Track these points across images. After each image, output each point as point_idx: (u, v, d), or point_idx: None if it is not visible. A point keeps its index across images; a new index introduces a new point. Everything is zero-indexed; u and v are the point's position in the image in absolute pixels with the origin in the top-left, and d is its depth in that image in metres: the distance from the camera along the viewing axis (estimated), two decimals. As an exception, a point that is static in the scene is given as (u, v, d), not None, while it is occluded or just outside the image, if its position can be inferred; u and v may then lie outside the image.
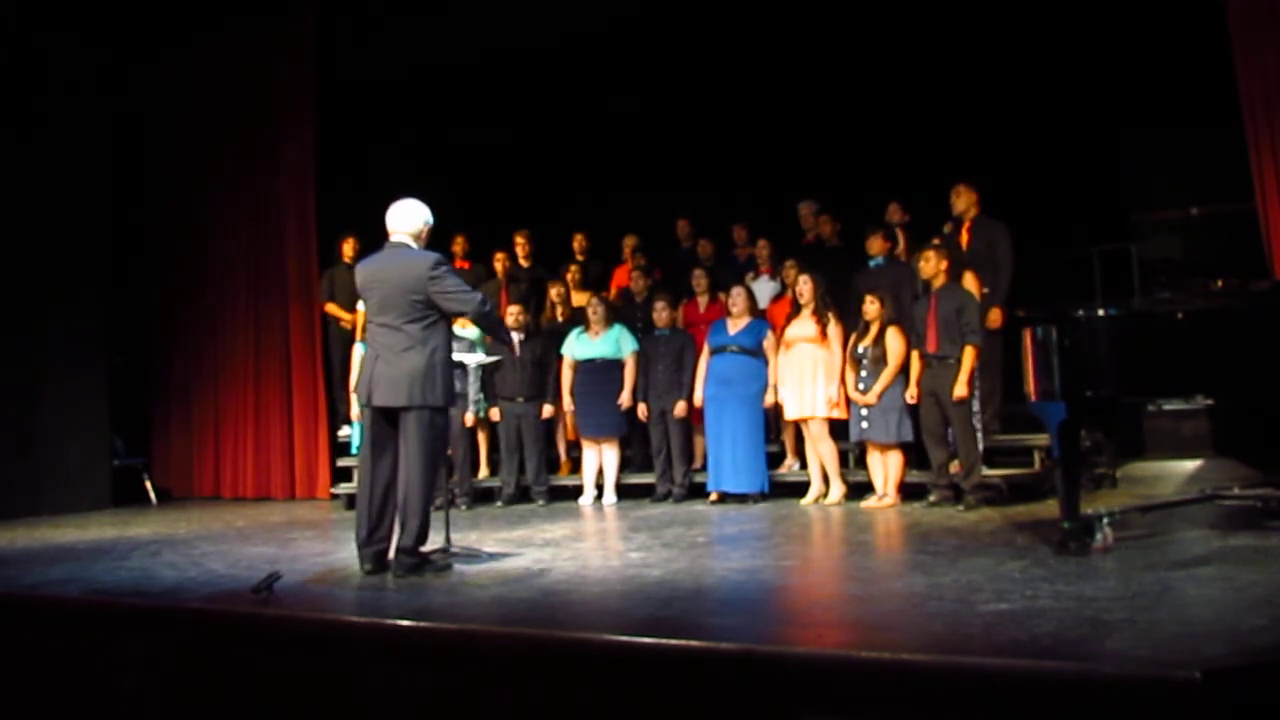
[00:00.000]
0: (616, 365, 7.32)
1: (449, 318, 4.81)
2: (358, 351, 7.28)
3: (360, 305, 7.17)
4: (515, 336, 7.47)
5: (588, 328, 7.40)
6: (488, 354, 7.18)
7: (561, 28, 9.07)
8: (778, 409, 6.91)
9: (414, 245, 4.81)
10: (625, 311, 7.81)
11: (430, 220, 4.88)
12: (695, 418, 7.16)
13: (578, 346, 7.42)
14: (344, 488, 8.16)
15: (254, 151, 9.35)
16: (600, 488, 7.35)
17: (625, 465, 7.53)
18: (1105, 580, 3.74)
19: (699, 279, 7.70)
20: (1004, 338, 6.51)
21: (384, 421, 4.72)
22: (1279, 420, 5.91)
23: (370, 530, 4.70)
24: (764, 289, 7.68)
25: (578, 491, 7.43)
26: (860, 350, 6.46)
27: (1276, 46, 6.33)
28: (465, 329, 7.74)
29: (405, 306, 4.64)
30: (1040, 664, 2.68)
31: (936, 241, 6.54)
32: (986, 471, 6.21)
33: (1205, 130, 7.58)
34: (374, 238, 5.11)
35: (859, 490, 6.60)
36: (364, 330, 6.30)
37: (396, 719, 3.50)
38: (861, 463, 6.69)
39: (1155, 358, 4.47)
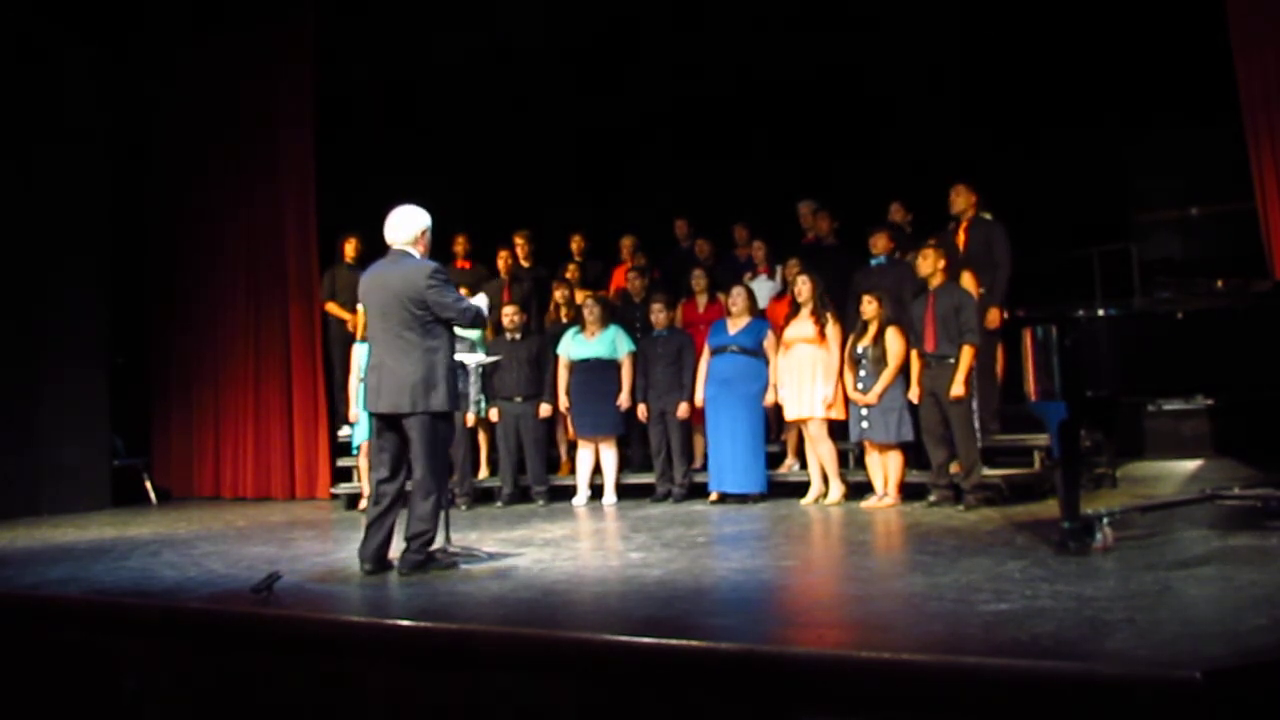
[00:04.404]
0: (612, 365, 7.31)
1: (450, 324, 4.82)
2: (358, 351, 7.26)
3: (359, 307, 7.19)
4: (510, 336, 7.47)
5: (583, 328, 7.41)
6: (488, 354, 7.18)
7: (561, 28, 9.08)
8: (778, 409, 6.91)
9: (415, 252, 4.81)
10: (624, 311, 7.81)
11: (427, 224, 4.87)
12: (696, 418, 7.16)
13: (573, 346, 7.41)
14: (344, 488, 8.17)
15: (254, 151, 9.34)
16: (594, 488, 7.35)
17: (625, 465, 7.53)
18: (1105, 580, 3.75)
19: (698, 279, 7.70)
20: (1002, 338, 6.51)
21: (388, 428, 4.75)
22: (1279, 420, 5.91)
23: (373, 533, 4.73)
24: (763, 288, 7.67)
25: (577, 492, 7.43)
26: (860, 350, 6.45)
27: (1276, 46, 6.32)
28: (466, 330, 7.74)
29: (406, 314, 4.66)
30: (1040, 664, 2.68)
31: (934, 241, 6.54)
32: (986, 471, 6.21)
33: (1205, 130, 7.59)
34: (374, 238, 5.12)
35: (859, 490, 6.59)
36: (364, 330, 6.30)
37: (397, 719, 3.50)
38: (861, 463, 6.68)
39: (1155, 358, 4.47)
